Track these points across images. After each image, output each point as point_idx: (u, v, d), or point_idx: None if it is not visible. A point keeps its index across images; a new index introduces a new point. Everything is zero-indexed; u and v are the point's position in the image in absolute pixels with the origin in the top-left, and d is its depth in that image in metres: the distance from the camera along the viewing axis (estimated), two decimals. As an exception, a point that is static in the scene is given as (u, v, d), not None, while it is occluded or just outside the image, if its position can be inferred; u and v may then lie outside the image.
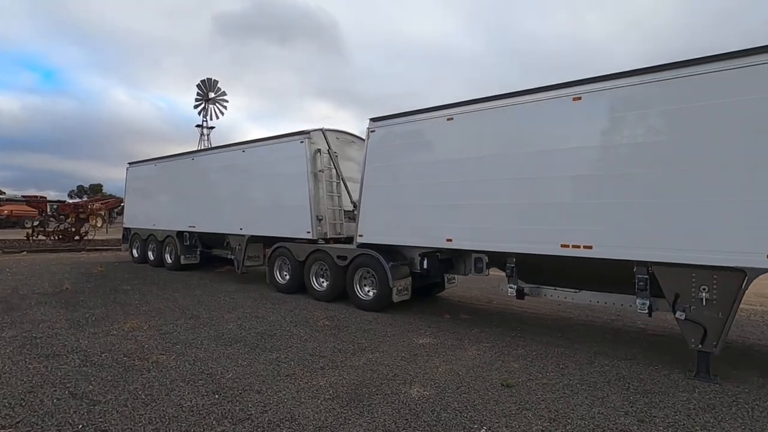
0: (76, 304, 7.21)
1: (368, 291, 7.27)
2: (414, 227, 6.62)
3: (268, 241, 9.65)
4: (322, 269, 7.98)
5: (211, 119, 39.32)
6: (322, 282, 8.00)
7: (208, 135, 38.61)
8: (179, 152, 11.74)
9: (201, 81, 38.18)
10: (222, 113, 38.97)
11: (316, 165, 8.26)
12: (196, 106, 38.26)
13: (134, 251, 13.29)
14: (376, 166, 7.13)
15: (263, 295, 8.26)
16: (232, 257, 10.13)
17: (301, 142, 8.26)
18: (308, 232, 8.07)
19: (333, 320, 6.44)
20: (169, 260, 11.84)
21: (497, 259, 6.09)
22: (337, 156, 8.59)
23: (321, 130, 8.43)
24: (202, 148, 10.87)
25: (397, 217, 6.81)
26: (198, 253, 11.60)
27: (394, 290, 6.84)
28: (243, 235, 9.47)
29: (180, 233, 11.37)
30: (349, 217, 8.77)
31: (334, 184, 8.56)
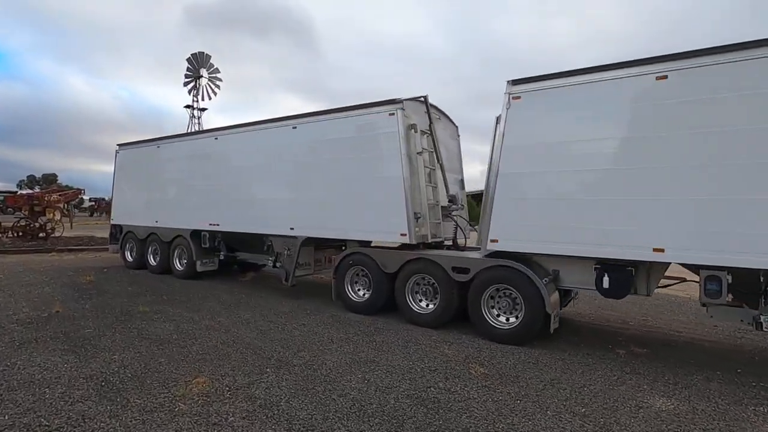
0: (84, 342, 4.88)
1: (503, 316, 5.34)
2: (590, 230, 4.74)
3: (320, 244, 7.56)
4: (425, 285, 5.98)
5: (202, 99, 35.50)
6: (423, 301, 6.00)
7: (199, 117, 34.81)
8: (194, 130, 9.29)
9: (192, 55, 34.16)
10: (215, 93, 35.12)
11: (412, 145, 6.21)
12: (186, 83, 34.14)
13: (128, 254, 10.71)
14: (522, 144, 5.18)
15: (338, 319, 6.16)
16: (271, 264, 7.92)
17: (391, 114, 6.17)
18: (403, 235, 6.02)
19: (486, 364, 4.48)
20: (178, 266, 9.43)
21: (743, 278, 4.30)
22: (431, 135, 6.57)
23: (418, 99, 6.37)
24: (219, 127, 8.44)
25: (562, 216, 4.90)
26: (218, 257, 9.27)
27: (553, 316, 4.97)
28: (294, 237, 7.29)
29: (196, 233, 8.99)
30: (445, 215, 6.79)
31: (430, 171, 6.54)
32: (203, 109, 34.90)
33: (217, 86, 34.62)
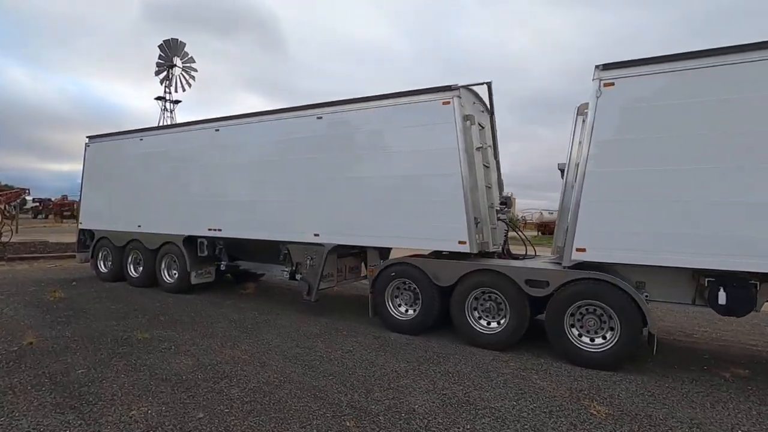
0: (80, 389, 3.69)
1: (587, 336, 4.62)
2: (703, 238, 4.10)
3: (340, 252, 6.61)
4: (488, 301, 5.17)
5: (176, 90, 32.58)
6: (483, 318, 5.19)
7: (172, 110, 31.93)
8: (188, 121, 8.02)
9: (164, 41, 31.14)
10: (189, 84, 32.24)
11: (470, 139, 5.39)
12: (157, 72, 31.26)
13: (101, 264, 9.21)
14: (616, 138, 4.48)
15: (386, 342, 5.23)
16: (287, 275, 6.86)
17: (446, 102, 5.32)
18: (462, 243, 5.19)
19: (599, 399, 3.72)
20: (167, 278, 8.12)
21: None
22: (483, 128, 5.78)
23: (470, 87, 5.54)
24: (222, 116, 7.23)
25: (669, 221, 4.23)
26: (215, 268, 8.06)
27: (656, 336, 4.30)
28: (319, 245, 6.28)
29: (191, 239, 7.74)
30: (499, 218, 6.02)
31: (485, 169, 5.75)
32: (176, 102, 32.21)
33: (192, 77, 32.04)
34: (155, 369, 4.17)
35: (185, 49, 31.39)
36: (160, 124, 28.21)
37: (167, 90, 31.62)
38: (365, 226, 5.91)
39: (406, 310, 5.74)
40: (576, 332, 4.68)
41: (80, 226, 9.55)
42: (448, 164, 5.27)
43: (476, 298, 5.24)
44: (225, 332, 5.46)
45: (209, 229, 7.42)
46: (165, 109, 31.30)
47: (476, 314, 5.24)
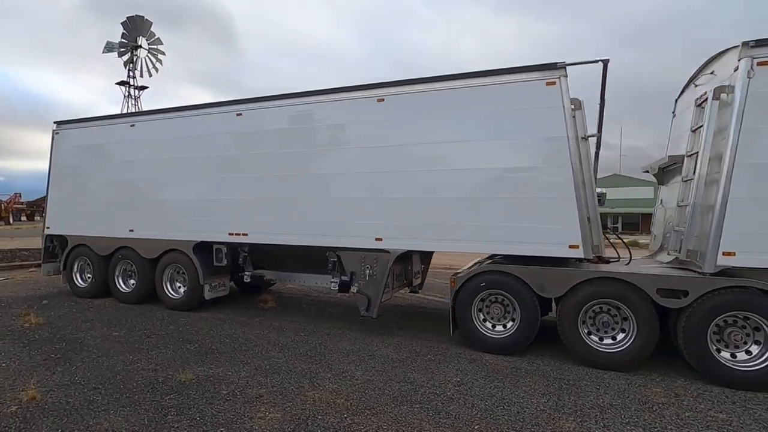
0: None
1: (728, 352, 4.04)
2: None
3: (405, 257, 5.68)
4: (605, 314, 4.46)
5: (141, 75, 28.96)
6: (594, 335, 4.49)
7: (137, 97, 28.32)
8: (199, 103, 6.63)
9: (128, 18, 27.23)
10: (156, 68, 28.78)
11: (578, 127, 4.64)
12: (121, 54, 27.65)
13: (77, 276, 7.59)
14: (775, 126, 3.90)
15: (487, 366, 4.36)
16: (335, 287, 5.80)
17: (550, 83, 4.54)
18: (573, 247, 4.44)
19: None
20: (171, 293, 6.74)
21: None
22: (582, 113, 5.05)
23: (580, 66, 4.77)
24: (244, 99, 6.07)
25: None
26: (232, 279, 6.82)
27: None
28: (383, 252, 5.30)
29: (204, 246, 6.44)
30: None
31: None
32: (142, 88, 28.75)
33: (159, 61, 28.65)
34: (238, 430, 3.05)
35: (151, 29, 28.31)
36: (124, 111, 25.31)
37: (131, 74, 28.23)
38: (443, 228, 5.01)
39: (493, 326, 4.93)
40: (726, 353, 4.06)
41: (47, 231, 7.83)
42: (555, 156, 4.51)
43: (590, 311, 4.52)
44: (287, 364, 4.35)
45: (230, 234, 6.17)
46: (129, 95, 27.96)
47: (584, 329, 4.53)
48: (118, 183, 7.18)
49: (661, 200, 6.08)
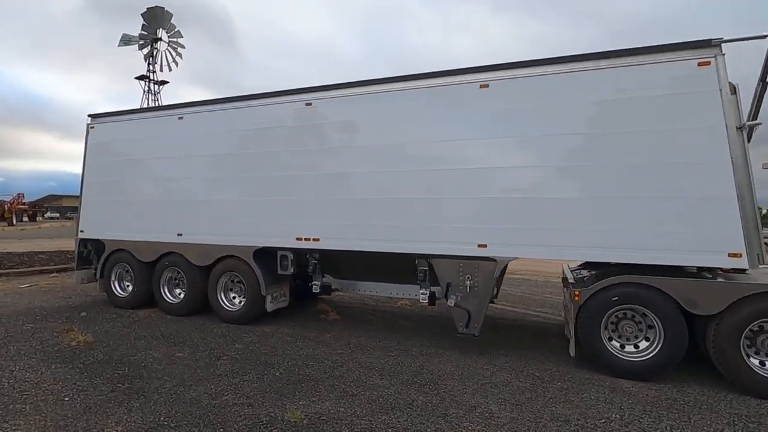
0: None
1: None
2: None
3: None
4: (774, 334, 3.80)
5: (161, 69, 27.89)
6: (753, 357, 3.83)
7: (157, 92, 27.31)
8: (258, 93, 5.92)
9: (147, 9, 26.16)
10: (176, 63, 27.67)
11: (735, 114, 3.98)
12: (141, 47, 26.74)
13: (116, 285, 6.89)
14: None
15: (633, 396, 3.69)
16: (425, 300, 5.14)
17: (703, 62, 3.88)
18: (734, 256, 3.78)
19: None
20: (227, 304, 6.05)
21: None
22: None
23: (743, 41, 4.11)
24: (314, 86, 5.42)
25: None
26: (290, 288, 6.15)
27: None
28: (487, 260, 4.62)
29: (266, 252, 5.75)
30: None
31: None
32: (162, 82, 27.84)
33: (179, 54, 27.66)
34: (403, 498, 2.38)
35: (172, 21, 27.34)
36: (143, 106, 24.42)
37: (151, 68, 27.27)
38: (561, 233, 4.34)
39: (621, 346, 4.26)
40: None
41: (81, 235, 7.12)
42: (711, 148, 3.85)
43: (752, 330, 3.86)
44: (401, 396, 3.67)
45: (298, 239, 5.49)
46: (149, 90, 27.02)
47: (749, 352, 3.86)
48: (164, 181, 6.48)
49: None
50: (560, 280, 5.87)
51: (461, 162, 4.71)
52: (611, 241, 4.18)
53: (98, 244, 7.02)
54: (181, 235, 6.24)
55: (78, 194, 7.27)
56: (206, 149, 6.12)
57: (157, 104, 25.68)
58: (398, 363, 4.48)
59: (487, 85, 4.63)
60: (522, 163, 4.50)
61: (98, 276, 6.95)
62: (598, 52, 4.23)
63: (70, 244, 16.93)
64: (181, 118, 6.33)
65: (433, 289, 5.09)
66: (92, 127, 7.08)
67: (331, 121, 5.36)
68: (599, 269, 4.76)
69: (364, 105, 5.18)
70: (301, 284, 6.56)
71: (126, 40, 26.22)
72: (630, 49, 4.15)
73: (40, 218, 47.89)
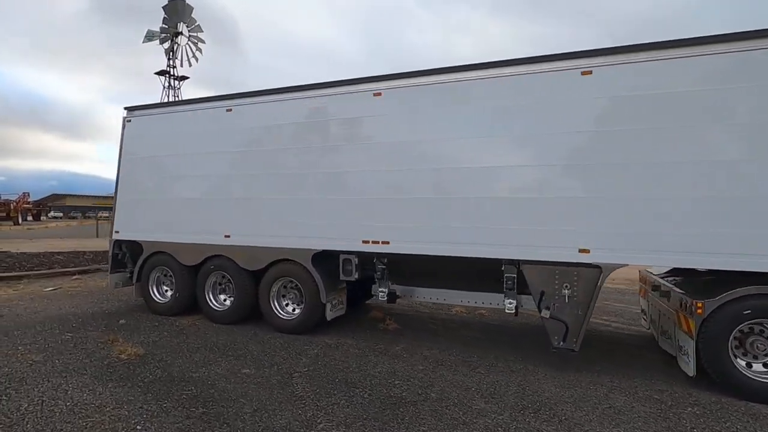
0: None
1: None
2: None
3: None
4: None
5: (181, 65, 27.18)
6: None
7: (177, 88, 26.72)
8: (320, 82, 5.44)
9: (169, 2, 25.57)
10: (196, 58, 26.96)
11: None
12: (162, 41, 26.04)
13: (154, 289, 6.42)
14: None
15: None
16: (511, 309, 4.65)
17: None
18: None
19: None
20: (280, 312, 5.58)
21: None
22: None
23: None
24: (372, 76, 4.99)
25: None
26: (344, 294, 5.68)
27: None
28: (590, 267, 4.14)
29: (326, 256, 5.28)
30: None
31: None
32: (183, 78, 27.26)
33: (199, 49, 27.09)
34: None
35: (192, 15, 26.70)
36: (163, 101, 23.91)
37: (171, 64, 26.68)
38: (694, 238, 3.84)
39: (748, 364, 3.79)
40: None
41: (116, 236, 6.64)
42: None
43: None
44: (521, 426, 3.19)
45: (365, 242, 5.01)
46: (170, 86, 26.40)
47: None
48: (209, 179, 6.00)
49: None
50: (614, 285, 5.39)
51: (562, 158, 4.23)
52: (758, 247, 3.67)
53: (134, 246, 6.55)
54: (229, 236, 5.77)
55: (111, 193, 6.80)
56: (259, 143, 5.65)
57: (177, 99, 25.20)
58: (493, 382, 4.00)
59: (591, 72, 4.15)
60: (615, 163, 4.02)
61: (135, 280, 6.47)
62: (698, 38, 3.77)
63: (85, 244, 16.53)
64: (230, 110, 5.85)
65: (524, 298, 4.62)
66: (129, 121, 6.61)
67: (406, 111, 4.88)
68: (696, 276, 4.32)
69: (439, 96, 4.70)
70: (351, 290, 6.10)
71: (150, 36, 25.64)
72: (729, 34, 3.69)
73: (44, 218, 47.44)
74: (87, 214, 58.60)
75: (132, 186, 6.56)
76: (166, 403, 3.46)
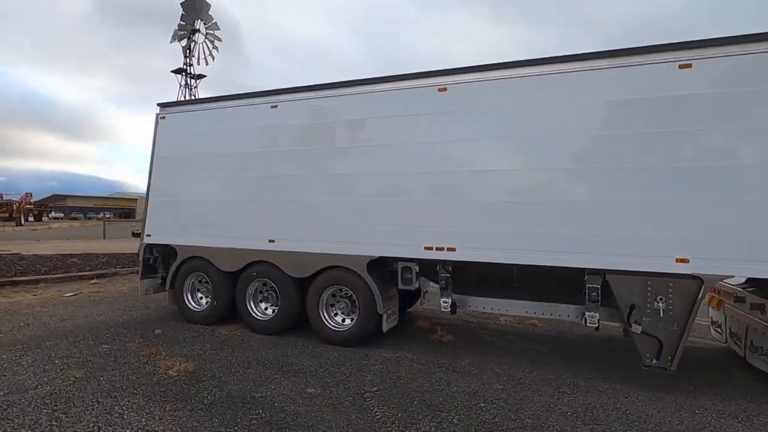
0: None
1: None
2: None
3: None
4: None
5: (198, 63, 26.81)
6: None
7: (194, 87, 26.25)
8: (382, 76, 5.08)
9: None
10: (212, 56, 26.64)
11: None
12: (180, 38, 25.67)
13: (189, 297, 6.04)
14: None
15: None
16: (593, 323, 4.27)
17: None
18: None
19: None
20: (330, 323, 5.20)
21: None
22: None
23: None
24: (434, 71, 4.66)
25: None
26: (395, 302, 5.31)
27: None
28: (689, 278, 3.78)
29: (378, 263, 4.92)
30: None
31: None
32: (200, 76, 26.81)
33: (216, 47, 26.74)
34: None
35: (210, 12, 26.28)
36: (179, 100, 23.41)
37: (187, 61, 26.24)
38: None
39: None
40: None
41: (147, 240, 6.26)
42: None
43: None
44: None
45: (427, 248, 4.65)
46: (186, 84, 26.00)
47: None
48: (251, 180, 5.63)
49: None
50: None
51: (659, 157, 3.88)
52: None
53: (167, 250, 6.18)
54: (273, 241, 5.40)
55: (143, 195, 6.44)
56: (308, 142, 5.28)
57: (193, 98, 24.74)
58: (586, 405, 3.64)
59: (691, 65, 3.81)
60: (724, 163, 3.68)
61: (168, 286, 6.09)
62: None
63: (94, 246, 16.12)
64: (275, 106, 5.49)
65: (609, 311, 4.26)
66: (162, 118, 6.24)
67: (465, 108, 4.52)
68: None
69: (504, 92, 4.35)
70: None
71: (175, 36, 25.36)
72: None
73: (46, 218, 46.93)
74: (88, 215, 58.13)
75: (165, 187, 6.19)
76: (236, 429, 3.09)
